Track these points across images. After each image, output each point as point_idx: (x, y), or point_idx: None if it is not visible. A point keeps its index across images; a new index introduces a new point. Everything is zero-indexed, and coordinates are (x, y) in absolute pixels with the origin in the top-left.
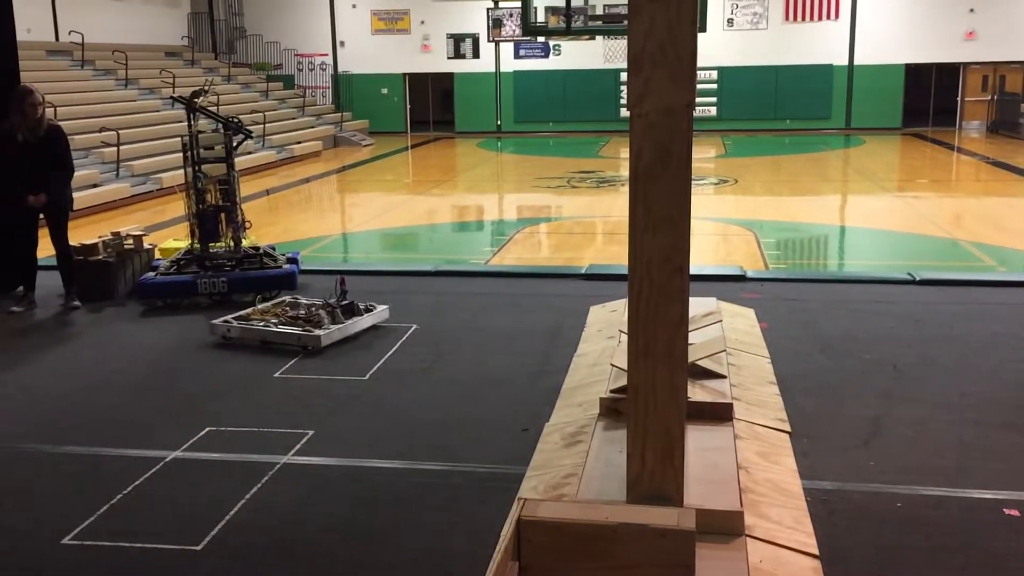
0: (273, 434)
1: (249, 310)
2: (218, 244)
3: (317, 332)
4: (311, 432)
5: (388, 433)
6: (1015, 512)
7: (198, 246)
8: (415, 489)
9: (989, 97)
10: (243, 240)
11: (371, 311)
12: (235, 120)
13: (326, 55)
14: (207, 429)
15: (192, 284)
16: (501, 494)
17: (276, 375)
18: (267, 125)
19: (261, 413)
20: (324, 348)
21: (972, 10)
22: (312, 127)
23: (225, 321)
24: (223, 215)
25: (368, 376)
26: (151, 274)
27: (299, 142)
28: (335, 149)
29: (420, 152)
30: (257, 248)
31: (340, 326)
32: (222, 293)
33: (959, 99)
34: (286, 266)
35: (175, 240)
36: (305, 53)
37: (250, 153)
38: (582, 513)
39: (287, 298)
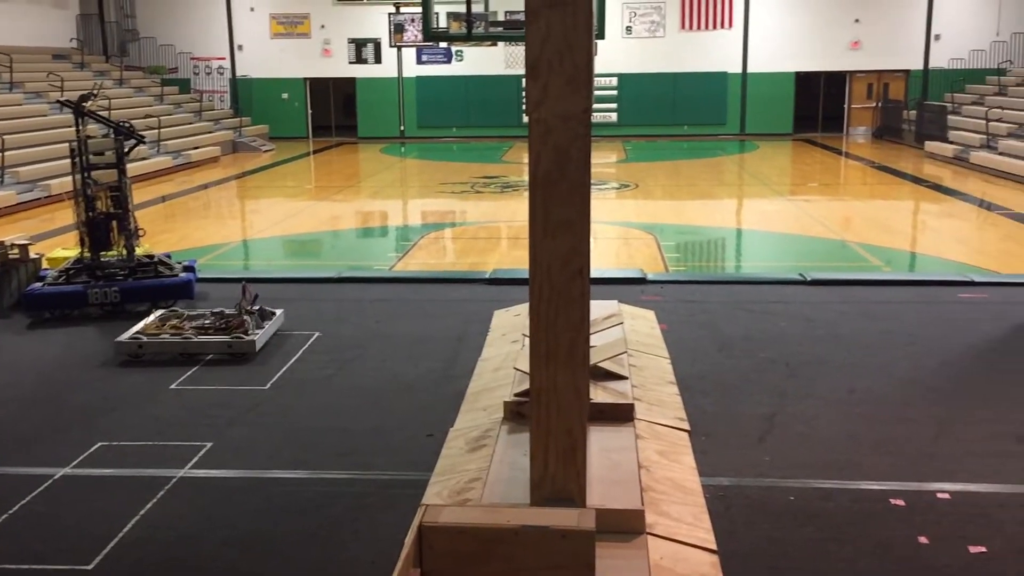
0: (169, 447)
1: (142, 324)
2: (110, 253)
3: (251, 337)
4: (209, 444)
5: (290, 443)
6: (901, 502)
7: (88, 255)
8: (318, 499)
9: (874, 104)
10: (136, 248)
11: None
12: (126, 125)
13: (223, 59)
14: (99, 444)
15: (82, 294)
16: (406, 500)
17: (172, 387)
18: (162, 130)
19: (156, 426)
20: (255, 352)
21: (857, 20)
22: (209, 132)
23: (134, 338)
24: (115, 223)
25: (269, 385)
26: (38, 284)
27: (196, 147)
28: (234, 155)
29: (322, 158)
30: (151, 256)
31: (266, 329)
32: (114, 303)
33: (846, 106)
34: (182, 274)
35: (64, 249)
36: (201, 57)
37: (144, 159)
38: (483, 517)
39: (162, 312)
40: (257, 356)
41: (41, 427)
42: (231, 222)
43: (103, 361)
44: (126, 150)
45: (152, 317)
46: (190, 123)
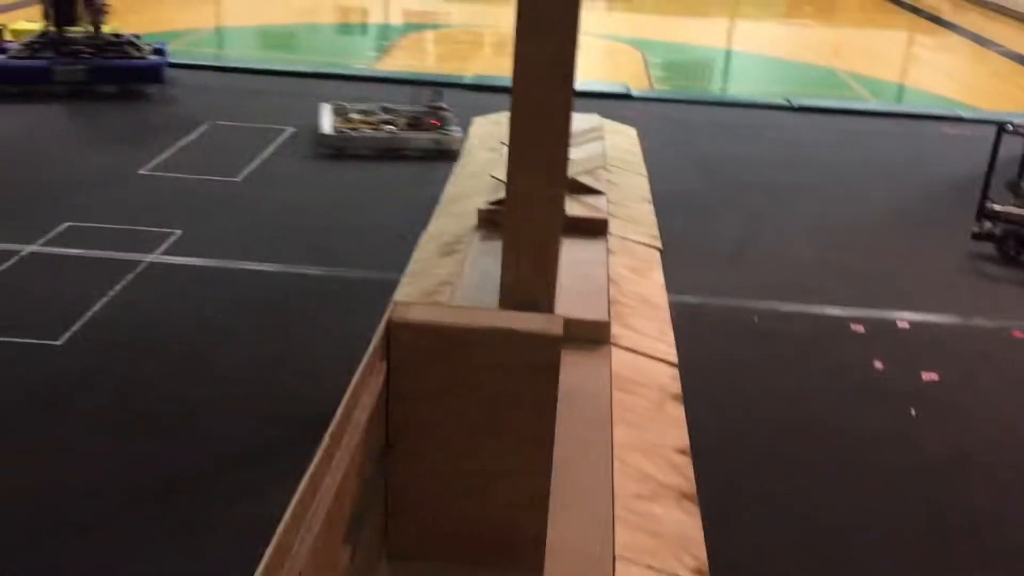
0: (138, 232)
1: (331, 119)
2: (75, 29)
3: (455, 133)
4: (179, 232)
5: (262, 236)
6: (861, 328)
7: (54, 29)
8: (287, 293)
9: None
10: (103, 26)
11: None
12: None
13: None
14: (66, 224)
15: (47, 70)
16: (375, 300)
17: (141, 171)
18: None
19: (125, 210)
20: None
21: None
22: None
23: (339, 132)
24: None
25: (241, 177)
26: (1, 57)
27: None
28: None
29: None
30: (119, 36)
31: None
32: (81, 82)
33: None
34: (152, 57)
35: (27, 21)
36: None
37: None
38: (452, 316)
39: (331, 106)
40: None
41: (5, 204)
42: (203, 7)
43: (71, 139)
44: None
45: (327, 112)
46: None
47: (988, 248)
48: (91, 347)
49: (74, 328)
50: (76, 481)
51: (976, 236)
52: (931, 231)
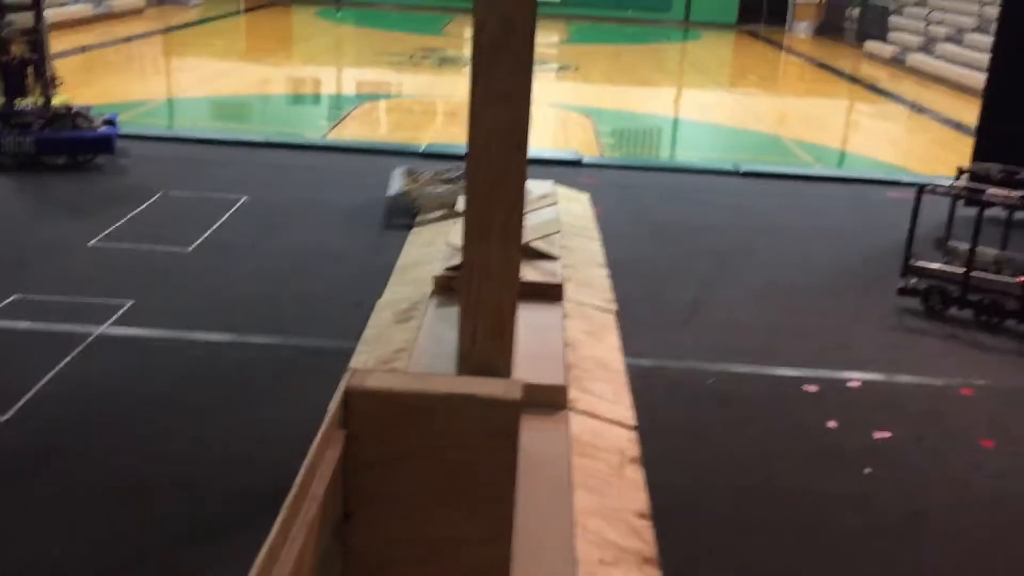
0: (88, 304)
1: (407, 184)
2: (25, 100)
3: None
4: (130, 303)
5: (214, 306)
6: (814, 388)
7: (2, 100)
8: (242, 363)
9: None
10: (53, 98)
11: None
12: None
13: None
14: (14, 296)
15: None
16: (332, 368)
17: (90, 244)
18: None
19: (75, 282)
20: None
21: None
22: None
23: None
24: (30, 69)
25: (192, 248)
26: None
27: None
28: (159, 7)
29: (254, 17)
30: (69, 108)
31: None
32: (29, 155)
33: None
34: (103, 128)
35: None
36: None
37: (63, 4)
38: (410, 383)
39: (428, 173)
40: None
41: None
42: (155, 79)
43: (18, 213)
44: None
45: (399, 176)
46: None
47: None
48: (40, 423)
49: (21, 403)
50: (30, 558)
51: (901, 291)
52: (878, 291)
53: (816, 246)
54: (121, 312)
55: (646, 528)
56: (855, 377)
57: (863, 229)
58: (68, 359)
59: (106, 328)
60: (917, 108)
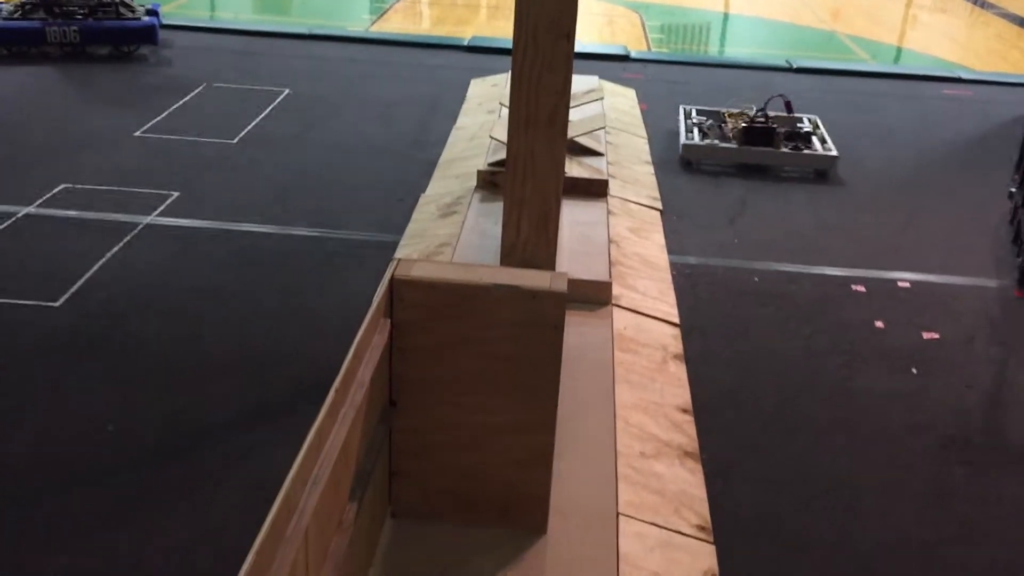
0: (135, 194)
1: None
2: None
3: (830, 151)
4: (176, 193)
5: (259, 198)
6: (862, 288)
7: None
8: (285, 253)
9: None
10: None
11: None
12: None
13: None
14: (62, 186)
15: (40, 32)
16: (374, 260)
17: (136, 134)
18: None
19: (121, 172)
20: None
21: None
22: None
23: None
24: None
25: (237, 140)
26: None
27: None
28: None
29: None
30: None
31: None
32: (73, 44)
33: None
34: (145, 18)
35: None
36: None
37: None
38: (456, 273)
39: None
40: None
41: (1, 165)
42: None
43: (64, 103)
44: None
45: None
46: None
47: (988, 209)
48: (91, 309)
49: (72, 289)
50: (84, 438)
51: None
52: (930, 192)
53: (869, 143)
54: (168, 203)
55: (688, 423)
56: (905, 278)
57: (917, 127)
58: (117, 248)
59: (153, 218)
60: (980, 2)
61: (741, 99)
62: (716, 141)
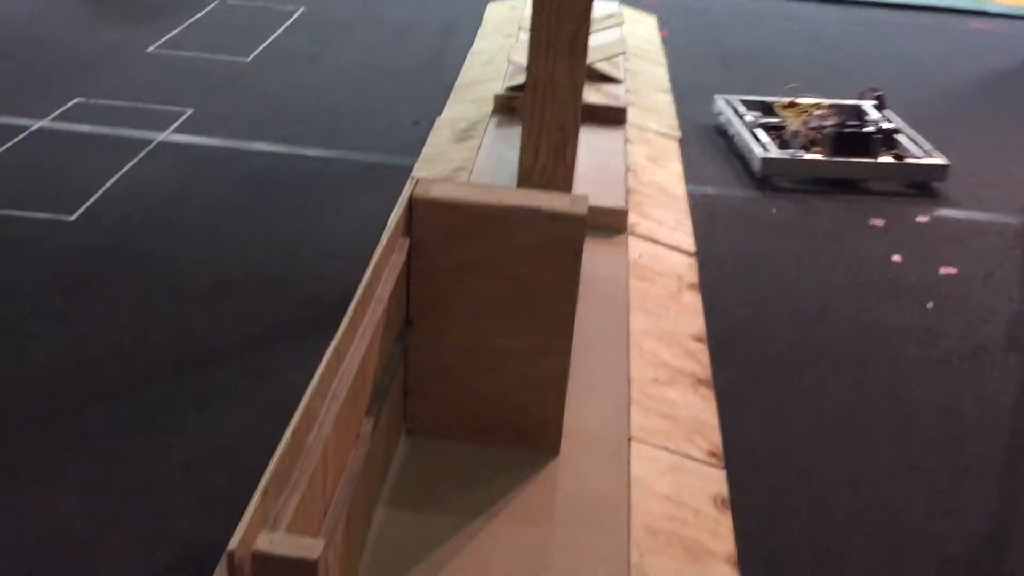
0: (148, 110)
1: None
2: None
3: (941, 159)
4: (190, 111)
5: (273, 117)
6: (880, 221)
7: None
8: (300, 174)
9: None
10: None
11: None
12: None
13: None
14: (75, 100)
15: None
16: (389, 183)
17: (149, 50)
18: None
19: (135, 87)
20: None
21: None
22: None
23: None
24: None
25: (251, 58)
26: None
27: None
28: None
29: None
30: None
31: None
32: None
33: None
34: None
35: None
36: None
37: None
38: (476, 194)
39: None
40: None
41: (12, 79)
42: None
43: (76, 18)
44: None
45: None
46: None
47: (1015, 146)
48: (106, 224)
49: (87, 204)
50: (101, 352)
51: None
52: (951, 126)
53: (893, 76)
54: (181, 120)
55: (702, 351)
56: (924, 212)
57: (943, 61)
58: (131, 164)
59: (167, 135)
60: None
61: (790, 89)
62: (799, 151)
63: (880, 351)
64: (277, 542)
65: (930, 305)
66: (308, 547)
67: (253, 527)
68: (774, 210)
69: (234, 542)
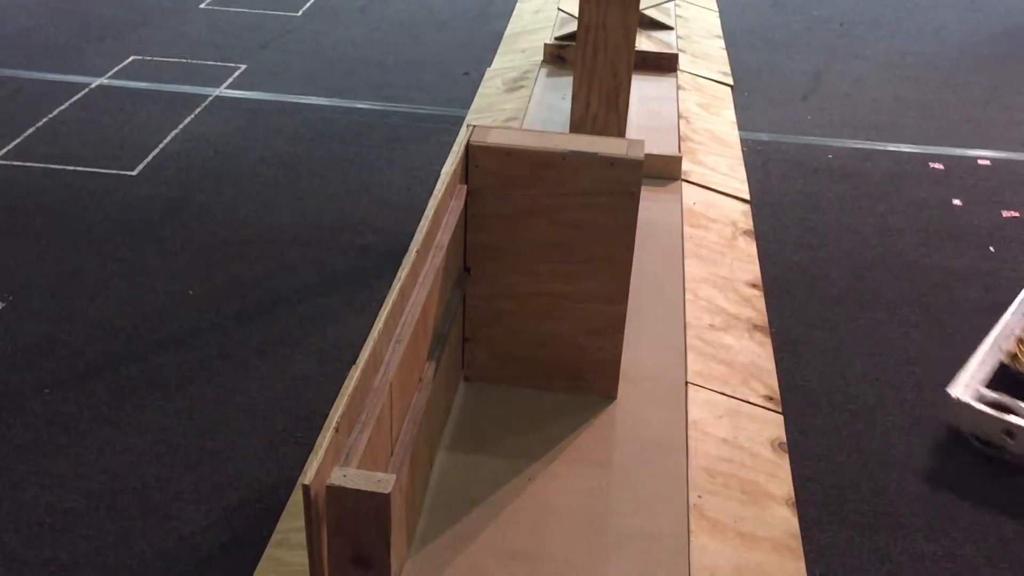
0: (203, 66)
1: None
2: None
3: None
4: (243, 66)
5: (324, 71)
6: (940, 166)
7: None
8: (353, 126)
9: None
10: None
11: None
12: None
13: None
14: (132, 58)
15: None
16: (441, 134)
17: (202, 6)
18: None
19: (189, 44)
20: None
21: None
22: None
23: None
24: None
25: (301, 12)
26: None
27: None
28: None
29: None
30: None
31: None
32: None
33: None
34: None
35: None
36: None
37: None
38: (533, 140)
39: None
40: None
41: (70, 37)
42: None
43: None
44: None
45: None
46: None
47: None
48: (166, 178)
49: (148, 159)
50: (168, 301)
51: None
52: (1012, 67)
53: (949, 18)
54: (235, 75)
55: (757, 297)
56: (985, 155)
57: (1001, 2)
58: (188, 119)
59: (222, 90)
60: None
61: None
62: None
63: (940, 295)
64: (351, 476)
65: (992, 249)
66: (381, 481)
67: (327, 462)
68: (830, 156)
69: (308, 476)
